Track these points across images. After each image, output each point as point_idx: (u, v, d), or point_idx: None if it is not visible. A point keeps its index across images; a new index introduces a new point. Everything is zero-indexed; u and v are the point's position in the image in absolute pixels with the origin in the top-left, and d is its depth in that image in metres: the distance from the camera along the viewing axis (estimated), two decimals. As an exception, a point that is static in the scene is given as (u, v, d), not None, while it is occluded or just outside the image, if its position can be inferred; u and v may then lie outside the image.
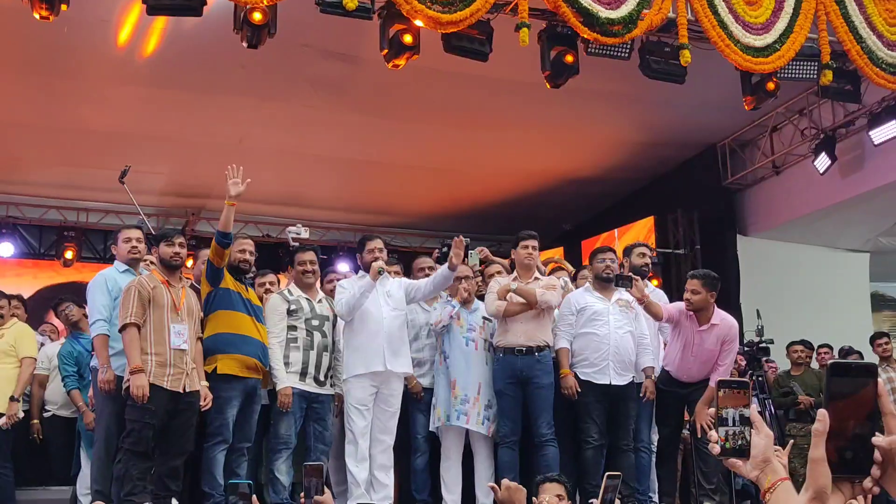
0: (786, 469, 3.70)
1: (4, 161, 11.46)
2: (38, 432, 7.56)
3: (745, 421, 1.81)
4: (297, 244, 7.77)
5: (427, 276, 7.17)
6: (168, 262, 6.00)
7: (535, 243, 6.89)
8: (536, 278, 6.85)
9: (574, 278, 7.74)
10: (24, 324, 7.65)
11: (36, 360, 7.30)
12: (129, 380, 5.64)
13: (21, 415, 7.06)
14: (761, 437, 1.79)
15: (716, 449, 1.80)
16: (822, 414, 1.45)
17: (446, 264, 6.50)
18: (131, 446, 5.60)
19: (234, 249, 6.42)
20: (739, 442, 1.81)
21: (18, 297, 8.41)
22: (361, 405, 6.38)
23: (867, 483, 1.46)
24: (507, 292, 6.67)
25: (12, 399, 6.94)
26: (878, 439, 1.44)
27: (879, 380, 1.47)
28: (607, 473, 4.01)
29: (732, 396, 1.84)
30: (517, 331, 6.63)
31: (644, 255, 7.36)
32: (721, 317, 6.78)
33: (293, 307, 6.51)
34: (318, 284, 6.86)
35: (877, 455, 1.44)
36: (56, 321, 8.80)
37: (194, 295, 6.13)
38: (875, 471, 1.44)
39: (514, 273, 6.93)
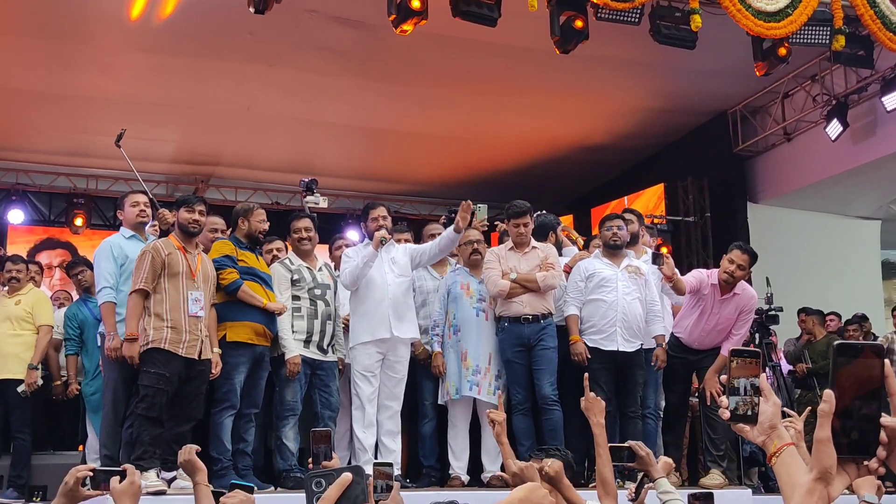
0: (800, 435, 3.69)
1: (14, 128, 11.48)
2: (59, 394, 7.59)
3: (756, 390, 1.83)
4: (314, 214, 7.78)
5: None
6: (186, 229, 5.97)
7: (527, 220, 6.82)
8: (534, 247, 6.82)
9: (587, 246, 7.72)
10: (41, 290, 7.67)
11: (52, 327, 7.32)
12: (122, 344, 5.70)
13: (40, 382, 7.10)
14: (769, 404, 1.80)
15: (725, 414, 1.82)
16: (828, 395, 1.44)
17: (452, 227, 6.50)
18: (144, 411, 5.63)
19: (256, 220, 6.42)
20: (748, 410, 1.83)
21: (37, 263, 8.45)
22: (368, 371, 6.40)
23: (873, 464, 1.45)
24: (507, 275, 6.66)
25: (31, 367, 6.98)
26: (885, 419, 1.43)
27: (886, 360, 1.46)
28: (610, 445, 4.01)
29: (745, 366, 1.85)
30: (521, 301, 6.64)
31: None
32: (742, 286, 6.80)
33: (295, 277, 6.51)
34: (316, 251, 6.83)
35: (882, 436, 1.43)
36: (69, 288, 8.84)
37: (209, 261, 6.13)
38: (881, 451, 1.44)
39: (509, 242, 6.89)
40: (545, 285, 6.63)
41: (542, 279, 6.61)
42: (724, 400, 1.85)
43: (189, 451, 3.53)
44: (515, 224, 6.80)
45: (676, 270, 6.68)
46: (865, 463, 1.46)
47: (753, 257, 6.76)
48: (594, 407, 4.11)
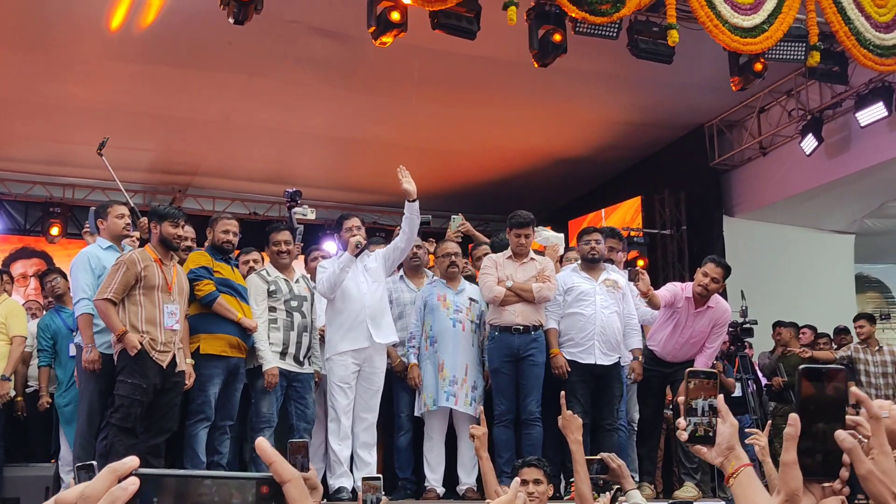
0: (765, 450, 3.71)
1: (-10, 136, 11.40)
2: (21, 409, 7.53)
3: (714, 411, 1.84)
4: (301, 226, 7.77)
5: (414, 254, 7.19)
6: (169, 243, 5.93)
7: (529, 231, 6.85)
8: (532, 258, 6.85)
9: (560, 260, 7.75)
10: (15, 300, 7.61)
11: (25, 338, 7.26)
12: (119, 347, 5.67)
13: (13, 393, 7.05)
14: (727, 425, 1.83)
15: (683, 436, 1.84)
16: (794, 419, 1.46)
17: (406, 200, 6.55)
18: (119, 422, 5.60)
19: (218, 230, 6.40)
20: (706, 430, 1.85)
21: (7, 273, 8.37)
22: (344, 383, 6.40)
23: (836, 485, 1.48)
24: (503, 282, 6.68)
25: (3, 378, 6.92)
26: (839, 433, 1.45)
27: (853, 387, 1.48)
28: (586, 458, 4.04)
29: (702, 387, 1.88)
30: (514, 310, 6.65)
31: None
32: (716, 300, 6.86)
33: (272, 288, 6.50)
34: (293, 264, 6.82)
35: (845, 457, 1.45)
36: (40, 298, 8.76)
37: (183, 274, 6.11)
38: (844, 472, 1.46)
39: (508, 251, 6.91)
40: (540, 296, 6.66)
41: (538, 290, 6.64)
42: (681, 421, 1.87)
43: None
44: (517, 234, 6.81)
45: (651, 287, 6.74)
46: (829, 484, 1.49)
47: (727, 270, 6.83)
48: (571, 424, 4.14)
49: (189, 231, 6.92)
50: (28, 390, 7.70)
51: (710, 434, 1.84)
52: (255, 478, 0.96)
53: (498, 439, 6.55)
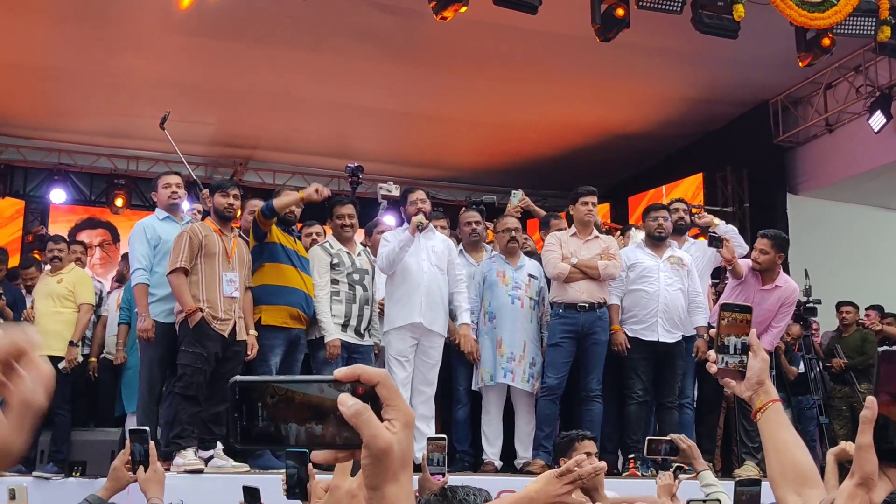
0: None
1: (56, 109, 11.61)
2: (94, 370, 7.71)
3: (745, 349, 1.81)
4: (384, 201, 7.80)
5: (473, 230, 7.19)
6: (221, 213, 6.08)
7: (595, 199, 6.84)
8: (596, 236, 6.82)
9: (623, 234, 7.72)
10: (82, 269, 7.77)
11: (93, 305, 7.42)
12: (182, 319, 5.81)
13: (80, 359, 7.21)
14: (757, 360, 1.80)
15: (713, 368, 1.81)
16: (871, 401, 1.43)
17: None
18: (182, 390, 5.72)
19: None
20: (738, 367, 1.81)
21: (81, 243, 8.55)
22: (402, 356, 6.44)
23: None
24: (568, 259, 6.65)
25: (72, 344, 7.08)
26: None
27: None
28: (649, 438, 3.99)
29: (735, 323, 1.83)
30: (579, 287, 6.63)
31: (677, 210, 7.27)
32: (785, 279, 6.78)
33: (335, 261, 6.54)
34: (356, 237, 6.87)
35: None
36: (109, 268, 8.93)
37: (245, 245, 6.20)
38: None
39: (573, 228, 6.89)
40: (605, 273, 6.62)
41: (604, 267, 6.61)
42: (711, 354, 1.84)
43: None
44: (584, 202, 6.78)
45: (735, 255, 6.70)
46: None
47: (775, 240, 6.72)
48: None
49: (258, 204, 6.99)
50: (101, 355, 7.86)
51: (741, 371, 1.81)
52: (350, 382, 1.05)
53: (541, 413, 6.57)
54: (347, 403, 1.04)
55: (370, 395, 1.06)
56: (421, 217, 6.44)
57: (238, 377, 1.06)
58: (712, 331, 1.71)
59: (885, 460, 1.44)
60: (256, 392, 1.05)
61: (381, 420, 1.06)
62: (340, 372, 1.06)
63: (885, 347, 1.49)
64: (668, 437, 4.01)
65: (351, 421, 1.04)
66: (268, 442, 1.06)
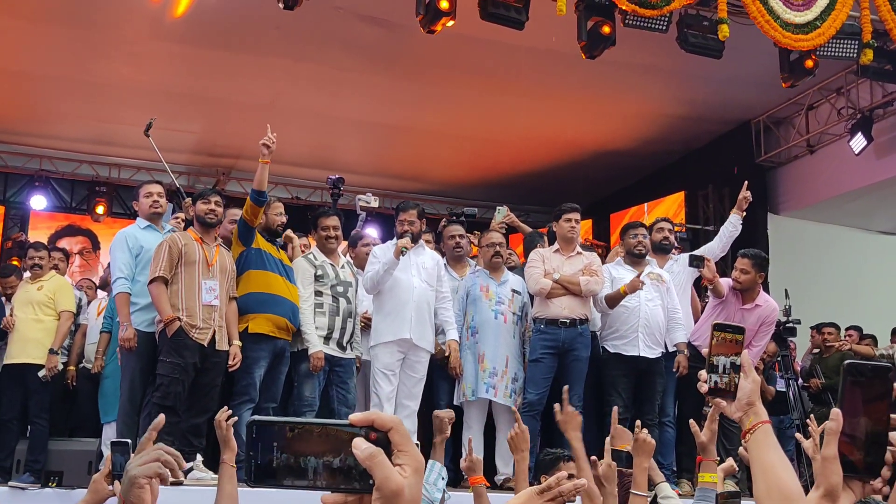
0: (816, 449, 3.66)
1: (39, 115, 11.54)
2: (72, 378, 7.63)
3: (736, 368, 1.80)
4: (363, 213, 7.79)
5: (457, 244, 7.19)
6: (203, 220, 6.07)
7: (578, 216, 6.87)
8: (578, 252, 6.84)
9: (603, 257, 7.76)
10: (62, 277, 7.71)
11: (73, 313, 7.36)
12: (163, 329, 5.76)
13: (60, 367, 7.14)
14: (749, 381, 1.79)
15: (704, 388, 1.81)
16: (836, 413, 1.44)
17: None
18: (159, 400, 5.69)
19: (273, 213, 6.47)
20: (727, 386, 1.81)
21: (61, 250, 8.48)
22: (388, 370, 6.42)
23: (877, 483, 1.46)
24: (550, 275, 6.66)
25: (51, 351, 7.02)
26: (893, 435, 1.43)
27: None
28: (611, 449, 3.99)
29: (726, 343, 1.82)
30: (560, 303, 6.64)
31: (662, 230, 7.38)
32: (765, 299, 6.83)
33: (319, 272, 6.53)
34: (340, 249, 6.86)
35: (888, 456, 1.44)
36: (94, 278, 8.86)
37: (228, 254, 6.18)
38: (885, 472, 1.44)
39: (556, 245, 6.91)
40: (587, 290, 6.64)
41: (586, 283, 6.63)
42: (703, 374, 1.84)
43: (228, 427, 3.58)
44: (567, 219, 6.81)
45: (717, 274, 6.74)
46: (871, 482, 1.47)
47: (754, 259, 6.77)
48: (571, 421, 4.07)
49: (238, 213, 6.98)
50: (80, 364, 7.79)
51: (731, 390, 1.80)
52: (364, 426, 1.10)
53: None
54: (361, 447, 1.08)
55: (382, 441, 1.09)
56: (406, 240, 6.41)
57: (256, 417, 1.10)
58: (704, 350, 1.70)
59: (848, 472, 1.46)
60: (272, 433, 1.09)
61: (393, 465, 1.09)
62: (355, 417, 1.10)
63: (850, 360, 1.51)
64: (625, 449, 4.01)
65: (364, 463, 1.07)
66: (286, 476, 1.09)
